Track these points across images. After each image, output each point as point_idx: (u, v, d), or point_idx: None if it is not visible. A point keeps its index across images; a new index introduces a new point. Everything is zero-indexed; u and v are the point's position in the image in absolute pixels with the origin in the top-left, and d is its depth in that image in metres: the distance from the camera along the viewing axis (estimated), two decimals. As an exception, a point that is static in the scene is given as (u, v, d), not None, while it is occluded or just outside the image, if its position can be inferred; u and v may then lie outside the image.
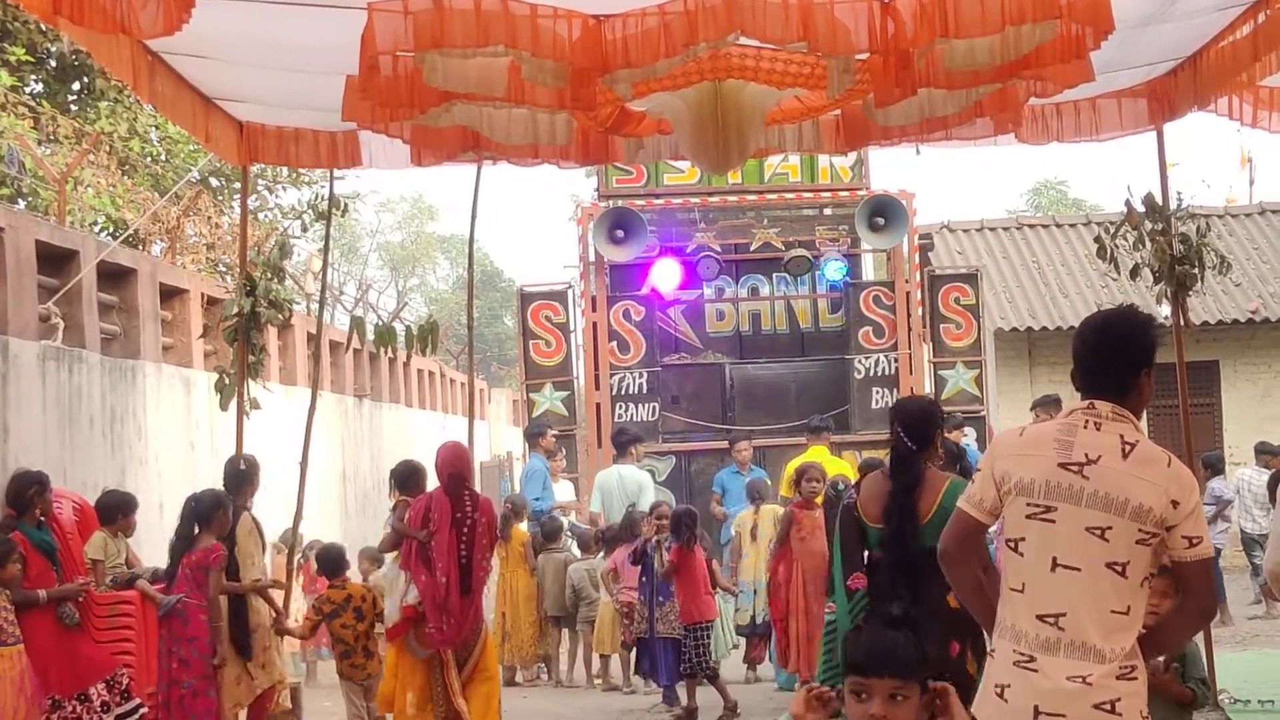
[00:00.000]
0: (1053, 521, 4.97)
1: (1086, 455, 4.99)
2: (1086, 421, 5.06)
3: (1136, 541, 4.91)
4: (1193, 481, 5.01)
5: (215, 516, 10.35)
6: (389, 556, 15.73)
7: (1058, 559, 4.95)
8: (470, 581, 10.63)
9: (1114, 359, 5.15)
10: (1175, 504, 4.92)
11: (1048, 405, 16.62)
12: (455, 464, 10.89)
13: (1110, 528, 4.91)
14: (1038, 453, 5.06)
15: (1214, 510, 16.88)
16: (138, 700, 9.89)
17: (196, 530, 10.34)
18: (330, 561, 11.93)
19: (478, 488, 13.02)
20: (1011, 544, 5.06)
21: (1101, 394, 5.10)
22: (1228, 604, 17.84)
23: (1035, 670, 4.92)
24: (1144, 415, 19.51)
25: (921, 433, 7.67)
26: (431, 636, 10.58)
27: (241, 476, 11.30)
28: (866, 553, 7.99)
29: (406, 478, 11.87)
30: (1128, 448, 5.00)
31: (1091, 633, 4.90)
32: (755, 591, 14.34)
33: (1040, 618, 4.95)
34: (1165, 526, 4.92)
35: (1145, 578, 4.96)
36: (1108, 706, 4.85)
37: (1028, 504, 5.01)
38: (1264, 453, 18.40)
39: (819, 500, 13.28)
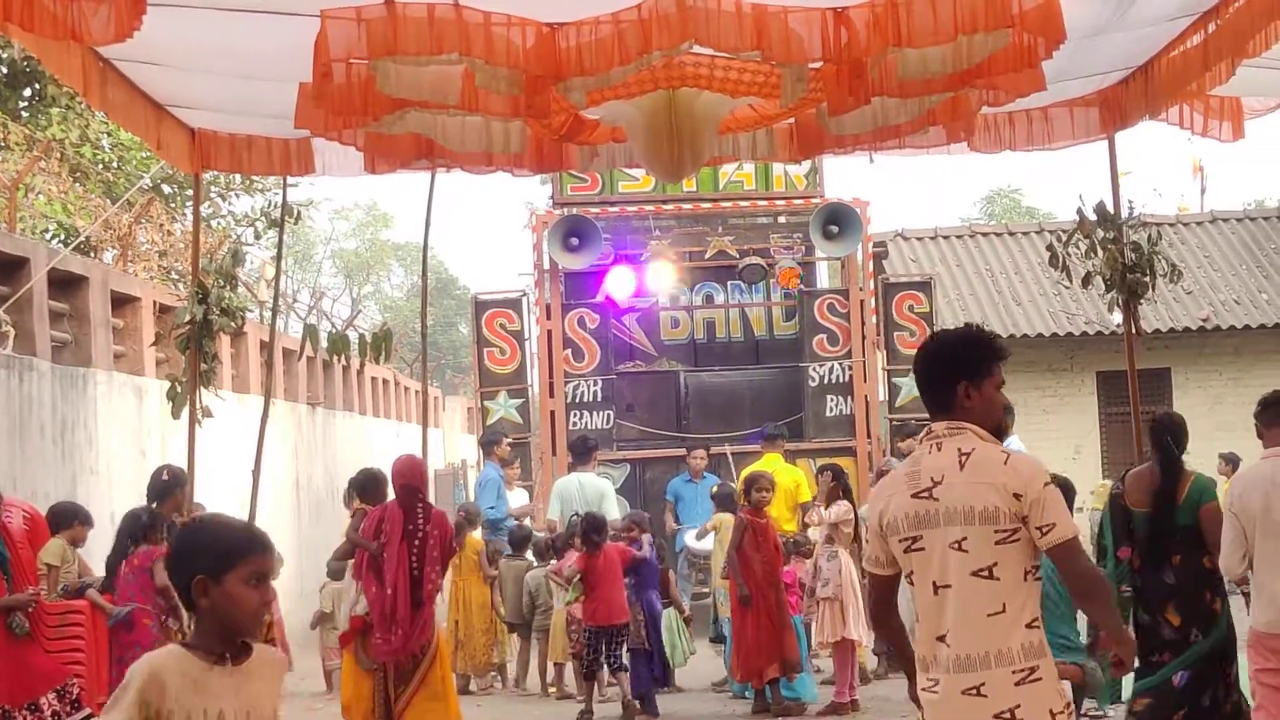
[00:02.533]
0: (923, 549, 5.22)
1: (932, 479, 5.23)
2: (930, 446, 5.33)
3: (996, 543, 5.12)
4: (1034, 472, 5.20)
5: (150, 534, 10.33)
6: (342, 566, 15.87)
7: (935, 582, 5.19)
8: (420, 594, 10.61)
9: (932, 376, 5.46)
10: (1017, 496, 5.11)
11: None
12: (408, 476, 10.91)
13: (966, 538, 5.13)
14: (895, 491, 5.35)
15: None
16: (88, 710, 9.84)
17: (130, 546, 10.30)
18: None
19: (432, 496, 13.01)
20: (909, 579, 5.33)
21: (937, 413, 5.39)
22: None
23: (937, 693, 5.13)
24: (1095, 422, 19.54)
25: (1182, 440, 8.96)
26: (378, 648, 10.57)
27: (163, 487, 11.22)
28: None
29: (366, 485, 12.00)
30: (964, 458, 5.22)
31: (975, 642, 5.08)
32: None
33: (937, 639, 5.17)
34: (1021, 519, 5.11)
35: (1025, 572, 5.15)
36: (1008, 715, 5.00)
37: (900, 541, 5.28)
38: (1229, 462, 18.43)
39: (770, 510, 13.44)
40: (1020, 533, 5.10)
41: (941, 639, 5.14)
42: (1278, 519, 7.84)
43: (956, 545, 5.13)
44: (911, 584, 5.30)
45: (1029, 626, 5.08)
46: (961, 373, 5.38)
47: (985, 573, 5.09)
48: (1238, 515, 8.01)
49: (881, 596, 5.56)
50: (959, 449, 5.23)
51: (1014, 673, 5.02)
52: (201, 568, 4.24)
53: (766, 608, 13.03)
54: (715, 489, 15.86)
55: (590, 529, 13.18)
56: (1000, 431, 5.49)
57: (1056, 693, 5.10)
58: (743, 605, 13.05)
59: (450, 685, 11.20)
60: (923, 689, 5.20)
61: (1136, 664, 5.49)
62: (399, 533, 10.63)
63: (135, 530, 10.39)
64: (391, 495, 11.17)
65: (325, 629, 16.35)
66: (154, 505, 11.11)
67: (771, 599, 13.08)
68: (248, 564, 4.26)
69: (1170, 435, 9.10)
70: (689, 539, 16.20)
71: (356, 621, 10.85)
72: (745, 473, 15.64)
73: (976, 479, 5.15)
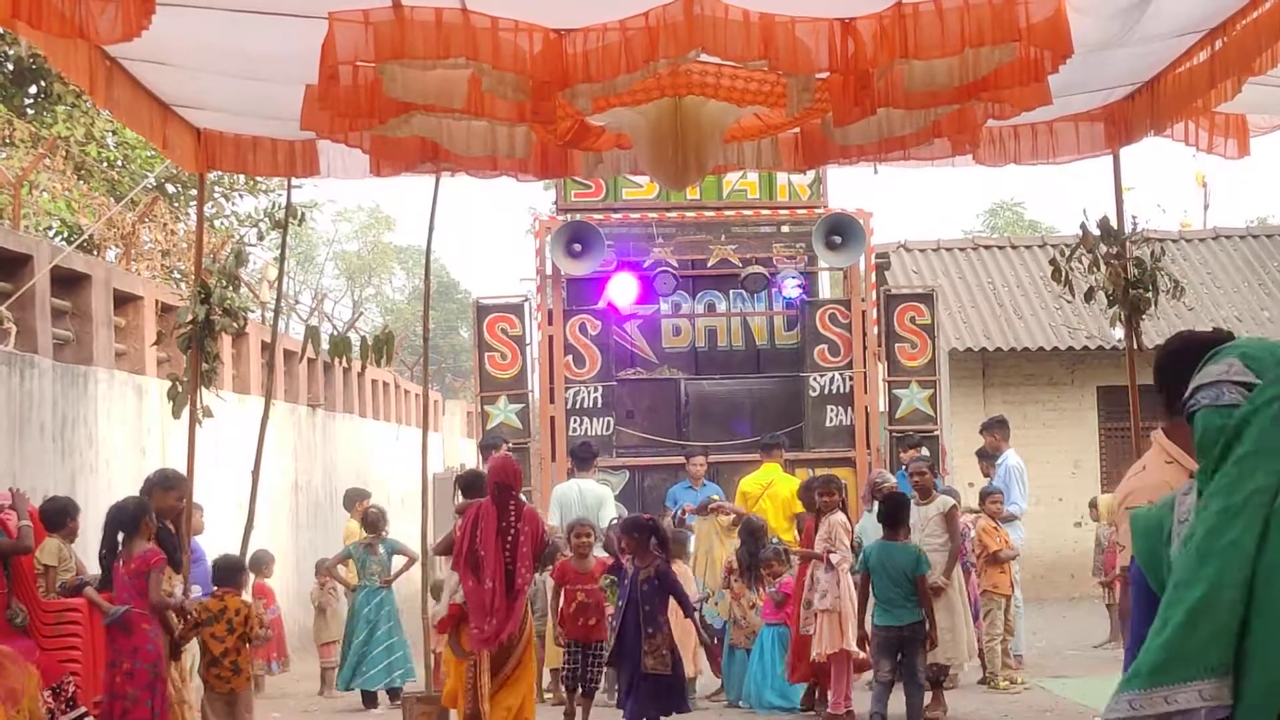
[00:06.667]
0: None
1: None
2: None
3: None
4: (1120, 491, 5.45)
5: (141, 523, 10.29)
6: (343, 569, 16.03)
7: None
8: (513, 587, 10.89)
9: (1167, 374, 5.28)
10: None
11: (992, 428, 16.70)
12: (501, 475, 11.22)
13: None
14: None
15: None
16: (84, 709, 9.82)
17: (121, 538, 10.27)
18: (222, 570, 11.78)
19: (429, 501, 13.05)
20: None
21: (1164, 409, 5.35)
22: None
23: None
24: (1095, 437, 19.49)
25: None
26: (474, 638, 10.89)
27: (145, 486, 11.26)
28: None
29: (470, 484, 12.70)
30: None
31: None
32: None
33: None
34: None
35: None
36: None
37: None
38: None
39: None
40: None
41: None
42: None
43: None
44: None
45: None
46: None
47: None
48: None
49: None
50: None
51: None
52: None
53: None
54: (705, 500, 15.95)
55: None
56: None
57: None
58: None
59: (531, 669, 11.49)
60: None
61: None
62: (493, 529, 10.93)
63: (124, 520, 10.36)
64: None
65: (319, 628, 16.40)
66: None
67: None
68: None
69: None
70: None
71: (454, 609, 11.26)
72: (746, 480, 15.70)
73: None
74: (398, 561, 15.68)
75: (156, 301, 16.47)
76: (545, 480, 18.91)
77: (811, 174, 18.96)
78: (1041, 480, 21.11)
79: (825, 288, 23.19)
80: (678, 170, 10.08)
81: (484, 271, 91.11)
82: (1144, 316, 11.61)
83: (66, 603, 10.29)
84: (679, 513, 16.39)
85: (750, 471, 16.24)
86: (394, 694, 15.16)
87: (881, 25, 8.08)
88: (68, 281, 14.38)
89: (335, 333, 20.41)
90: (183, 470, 11.53)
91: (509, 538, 10.97)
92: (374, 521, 15.70)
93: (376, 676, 15.17)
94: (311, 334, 13.32)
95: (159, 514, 11.10)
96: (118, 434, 14.90)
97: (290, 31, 8.28)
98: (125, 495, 12.57)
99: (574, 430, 19.34)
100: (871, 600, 12.37)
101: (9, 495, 9.91)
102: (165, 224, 21.49)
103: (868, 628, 12.38)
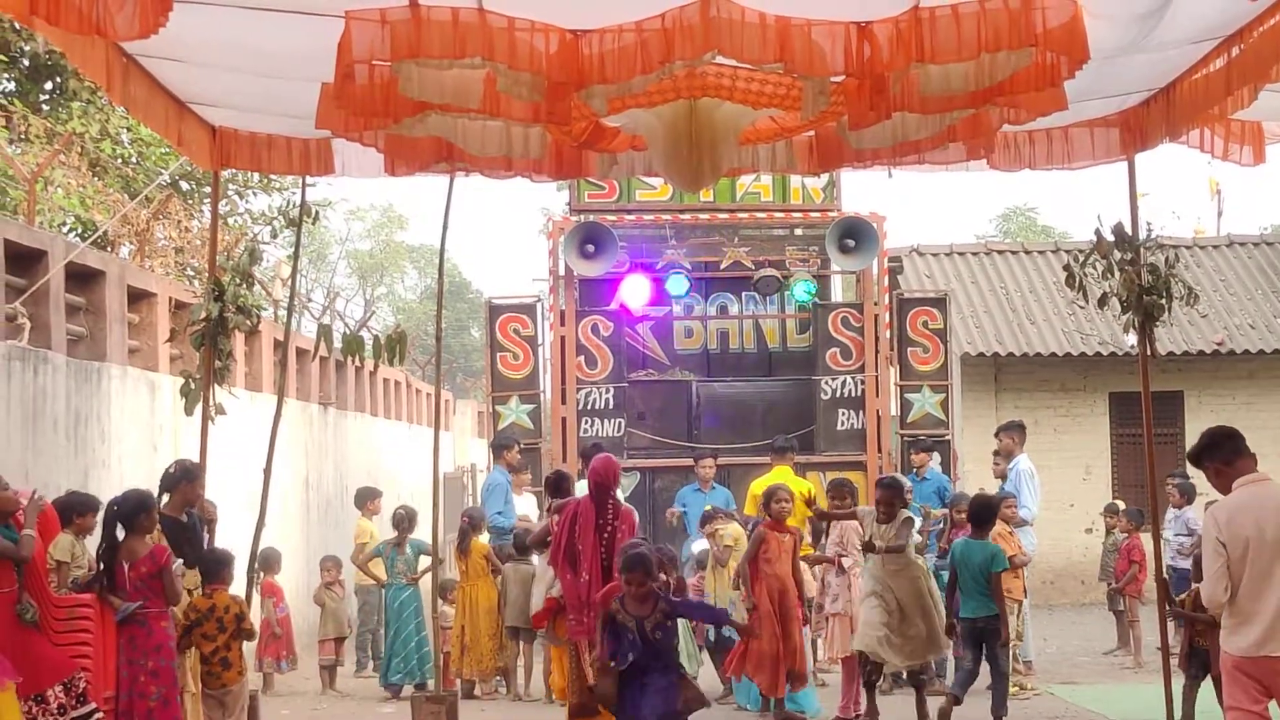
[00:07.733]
0: None
1: None
2: None
3: None
4: None
5: (139, 519, 10.26)
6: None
7: None
8: (609, 580, 11.09)
9: None
10: None
11: (1010, 430, 16.65)
12: (602, 475, 11.66)
13: None
14: None
15: (1192, 542, 16.35)
16: (94, 705, 9.81)
17: (121, 535, 10.25)
18: (209, 566, 11.46)
19: (440, 500, 13.08)
20: None
21: None
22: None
23: None
24: (1107, 443, 19.41)
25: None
26: (572, 629, 11.29)
27: (169, 480, 11.21)
28: None
29: (557, 484, 13.43)
30: None
31: None
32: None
33: None
34: None
35: None
36: None
37: None
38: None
39: (789, 522, 13.41)
40: None
41: None
42: (1271, 540, 7.78)
43: None
44: None
45: None
46: None
47: None
48: (1226, 544, 7.89)
49: None
50: None
51: None
52: None
53: (781, 618, 12.96)
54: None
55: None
56: None
57: None
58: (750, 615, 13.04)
59: None
60: None
61: None
62: (591, 525, 11.35)
63: (122, 515, 10.32)
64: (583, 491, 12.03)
65: (324, 625, 16.45)
66: (161, 498, 11.09)
67: (786, 610, 13.02)
68: None
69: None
70: (695, 548, 16.18)
71: (551, 602, 11.80)
72: (758, 483, 15.63)
73: None
74: (424, 562, 15.82)
75: (170, 298, 16.48)
76: (556, 481, 18.90)
77: (825, 177, 18.98)
78: (1052, 486, 21.06)
79: (838, 291, 23.18)
80: (692, 172, 10.09)
81: (496, 271, 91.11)
82: (1157, 323, 11.59)
83: (78, 598, 10.28)
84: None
85: (761, 474, 16.21)
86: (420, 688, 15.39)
87: (898, 29, 8.08)
88: (82, 278, 14.39)
89: (347, 331, 20.44)
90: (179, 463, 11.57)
91: (606, 534, 11.36)
92: (400, 521, 15.95)
93: (410, 672, 15.55)
94: (324, 332, 13.32)
95: (188, 505, 11.12)
96: (130, 430, 14.91)
97: (306, 30, 8.29)
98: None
99: (585, 431, 19.34)
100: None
101: (27, 493, 9.89)
102: (179, 221, 21.52)
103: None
